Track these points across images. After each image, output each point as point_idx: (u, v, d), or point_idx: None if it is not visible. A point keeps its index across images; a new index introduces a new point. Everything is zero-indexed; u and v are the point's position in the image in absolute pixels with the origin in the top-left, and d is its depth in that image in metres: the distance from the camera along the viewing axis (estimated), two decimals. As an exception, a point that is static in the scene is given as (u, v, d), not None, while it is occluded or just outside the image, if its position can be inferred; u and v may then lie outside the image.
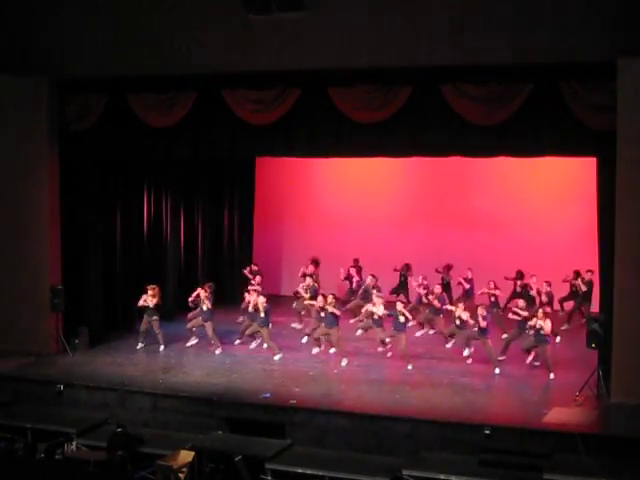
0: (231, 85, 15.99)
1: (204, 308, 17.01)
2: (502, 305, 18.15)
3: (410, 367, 15.77)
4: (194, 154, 17.25)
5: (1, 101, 16.87)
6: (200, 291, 17.17)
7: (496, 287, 17.76)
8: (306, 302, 17.78)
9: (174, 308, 19.48)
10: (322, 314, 16.25)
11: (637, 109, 13.57)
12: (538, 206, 20.14)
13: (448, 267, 19.22)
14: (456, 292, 19.13)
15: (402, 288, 19.51)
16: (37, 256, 16.85)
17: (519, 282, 18.40)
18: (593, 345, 14.16)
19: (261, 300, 16.65)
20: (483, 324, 15.55)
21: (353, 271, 19.76)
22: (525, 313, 15.69)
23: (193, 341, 17.37)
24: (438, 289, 17.60)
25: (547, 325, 15.09)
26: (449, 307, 16.96)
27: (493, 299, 17.72)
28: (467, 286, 18.72)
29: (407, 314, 16.16)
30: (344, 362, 16.02)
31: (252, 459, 12.26)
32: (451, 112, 14.81)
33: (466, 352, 16.11)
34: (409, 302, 18.72)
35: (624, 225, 13.74)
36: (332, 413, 13.44)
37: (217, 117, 16.26)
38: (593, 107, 14.00)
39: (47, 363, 16.29)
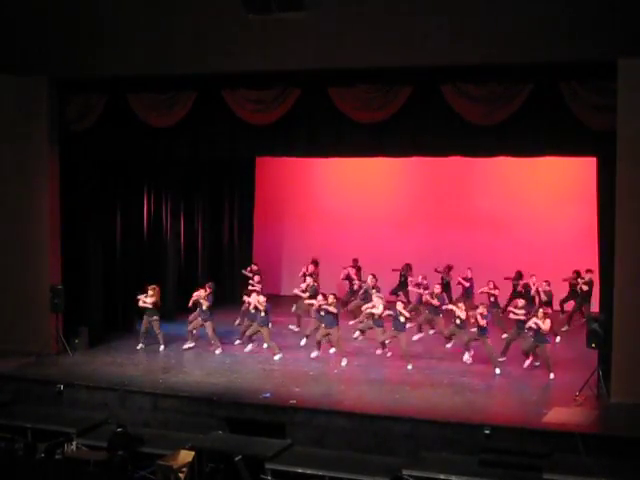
0: (231, 85, 16.00)
1: (203, 308, 17.02)
2: (502, 306, 18.18)
3: (410, 367, 15.77)
4: (194, 154, 17.25)
5: (1, 101, 16.88)
6: (200, 291, 17.16)
7: (495, 287, 17.77)
8: (306, 302, 17.75)
9: (174, 308, 19.50)
10: (322, 313, 16.24)
11: (637, 109, 13.57)
12: (538, 206, 20.15)
13: (448, 267, 19.24)
14: (456, 292, 19.17)
15: (402, 288, 19.51)
16: (37, 256, 16.84)
17: (519, 282, 18.41)
18: (593, 345, 14.15)
19: (261, 299, 16.64)
20: (482, 322, 15.55)
21: (352, 271, 19.77)
22: (522, 312, 15.67)
23: (189, 344, 17.27)
24: (438, 289, 17.60)
25: (546, 324, 15.08)
26: (449, 307, 16.96)
27: (492, 299, 17.74)
28: (467, 285, 18.75)
29: (407, 314, 16.16)
30: (344, 362, 16.01)
31: (252, 459, 12.26)
32: (451, 112, 14.81)
33: (466, 356, 16.06)
34: (409, 302, 18.72)
35: (624, 225, 13.74)
36: (332, 413, 13.43)
37: (217, 117, 16.26)
38: (593, 107, 14.00)
39: (47, 363, 16.28)
